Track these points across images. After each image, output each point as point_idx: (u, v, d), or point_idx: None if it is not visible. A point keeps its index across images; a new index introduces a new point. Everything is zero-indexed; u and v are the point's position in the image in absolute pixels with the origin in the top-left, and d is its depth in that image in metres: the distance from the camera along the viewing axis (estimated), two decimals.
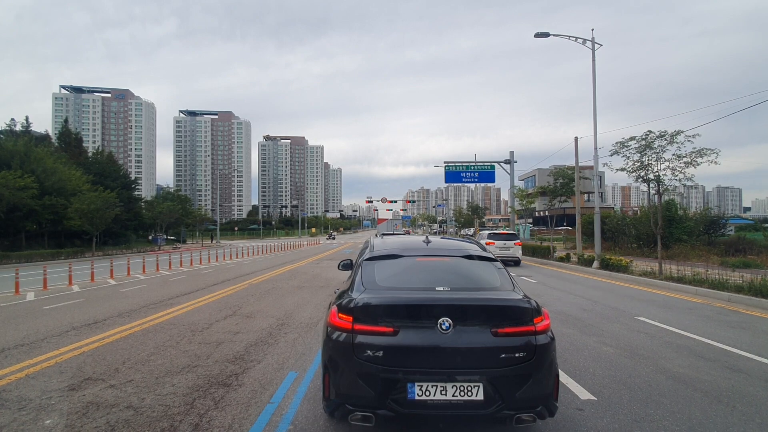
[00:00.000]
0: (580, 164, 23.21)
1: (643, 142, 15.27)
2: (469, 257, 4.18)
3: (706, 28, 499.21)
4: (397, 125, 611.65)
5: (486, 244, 32.62)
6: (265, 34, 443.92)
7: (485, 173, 32.64)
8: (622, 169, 16.15)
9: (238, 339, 6.95)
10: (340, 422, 3.75)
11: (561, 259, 22.69)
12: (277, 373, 5.28)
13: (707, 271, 13.70)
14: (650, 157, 15.18)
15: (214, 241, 62.51)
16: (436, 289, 3.61)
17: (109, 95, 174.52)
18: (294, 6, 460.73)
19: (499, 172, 32.55)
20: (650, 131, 15.19)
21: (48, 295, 12.37)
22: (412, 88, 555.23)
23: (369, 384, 3.18)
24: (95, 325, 8.19)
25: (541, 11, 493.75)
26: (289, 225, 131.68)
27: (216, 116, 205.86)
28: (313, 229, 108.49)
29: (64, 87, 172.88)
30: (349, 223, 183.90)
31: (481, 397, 3.15)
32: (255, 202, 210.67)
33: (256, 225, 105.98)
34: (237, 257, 30.58)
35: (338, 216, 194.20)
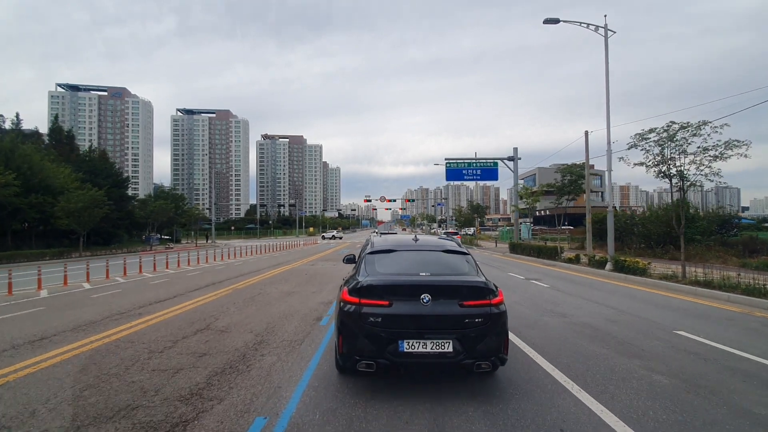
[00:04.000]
0: (584, 161, 22.04)
1: (665, 134, 14.02)
2: (447, 251, 5.52)
3: (709, 27, 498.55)
4: (397, 124, 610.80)
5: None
6: (265, 33, 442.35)
7: (488, 170, 31.36)
8: (641, 164, 14.91)
9: (202, 364, 5.68)
10: (348, 374, 5.09)
11: (570, 261, 21.45)
12: (239, 419, 4.01)
13: (739, 275, 12.46)
14: (673, 151, 13.94)
15: (209, 241, 61.14)
16: (420, 274, 4.87)
17: (105, 93, 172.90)
18: (295, 4, 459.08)
19: (501, 171, 31.26)
20: (673, 122, 13.96)
21: (8, 302, 11.09)
22: (412, 87, 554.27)
23: (371, 341, 4.46)
24: (40, 342, 6.91)
25: (542, 11, 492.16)
26: (287, 224, 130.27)
27: (214, 115, 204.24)
28: (311, 229, 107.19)
29: (60, 85, 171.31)
30: (347, 222, 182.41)
31: (450, 349, 4.43)
32: (253, 201, 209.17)
33: (253, 224, 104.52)
34: (229, 258, 29.30)
35: (336, 215, 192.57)
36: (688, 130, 13.73)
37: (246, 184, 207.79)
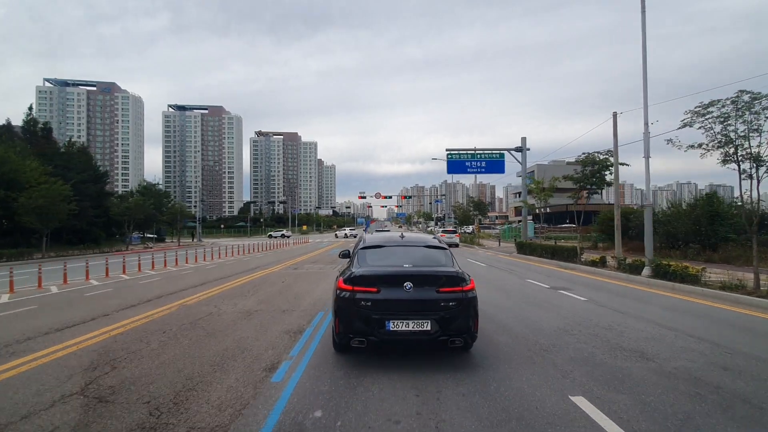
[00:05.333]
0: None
1: (732, 107, 11.09)
2: (428, 246, 6.41)
3: (706, 27, 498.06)
4: (394, 123, 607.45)
5: (441, 235, 33.86)
6: (261, 30, 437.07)
7: (493, 162, 28.39)
8: (698, 146, 11.98)
9: None
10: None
11: (593, 264, 18.52)
12: None
13: None
14: (739, 128, 11.02)
15: (195, 240, 57.91)
16: (404, 266, 5.68)
17: (94, 88, 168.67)
18: (291, 1, 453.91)
19: (506, 166, 28.25)
20: (742, 91, 11.01)
21: None
22: (410, 85, 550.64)
23: (363, 322, 5.28)
24: None
25: (542, 9, 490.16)
26: (281, 222, 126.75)
27: (206, 111, 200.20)
28: (305, 227, 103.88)
29: (48, 80, 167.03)
30: (342, 220, 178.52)
31: (429, 328, 5.22)
32: (247, 199, 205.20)
33: (243, 222, 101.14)
34: (206, 259, 26.19)
35: (331, 213, 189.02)
36: (760, 102, 10.82)
37: (240, 182, 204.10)
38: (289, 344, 6.59)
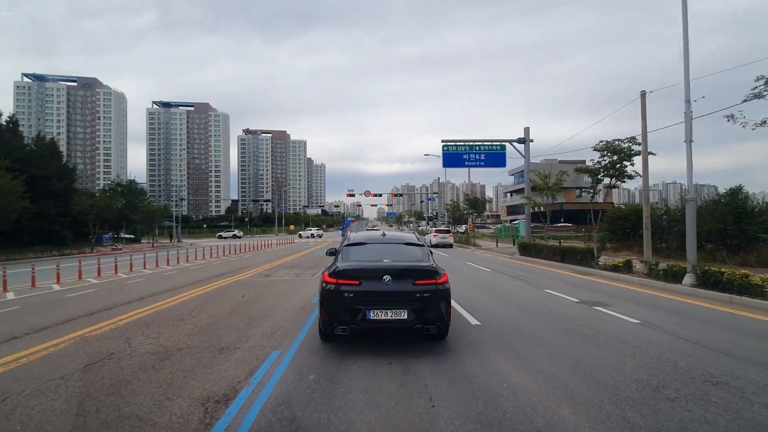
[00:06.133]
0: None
1: None
2: (407, 243, 6.92)
3: (695, 28, 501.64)
4: (384, 122, 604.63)
5: (433, 236, 35.31)
6: (250, 28, 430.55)
7: (493, 155, 25.64)
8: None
9: None
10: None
11: (615, 269, 15.86)
12: None
13: None
14: None
15: (172, 241, 54.44)
16: (384, 261, 6.19)
17: (75, 84, 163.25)
18: None
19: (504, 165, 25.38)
20: None
21: None
22: (401, 85, 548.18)
23: (346, 312, 5.71)
24: None
25: (532, 10, 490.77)
26: (268, 222, 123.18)
27: (192, 108, 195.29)
28: (292, 226, 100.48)
29: (26, 75, 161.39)
30: (332, 220, 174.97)
31: (406, 317, 5.66)
32: (235, 198, 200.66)
33: (227, 222, 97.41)
34: (173, 263, 23.09)
35: (320, 212, 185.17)
36: None
37: (227, 181, 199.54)
38: None
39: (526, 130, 24.79)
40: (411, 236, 7.55)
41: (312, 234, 72.02)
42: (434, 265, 6.14)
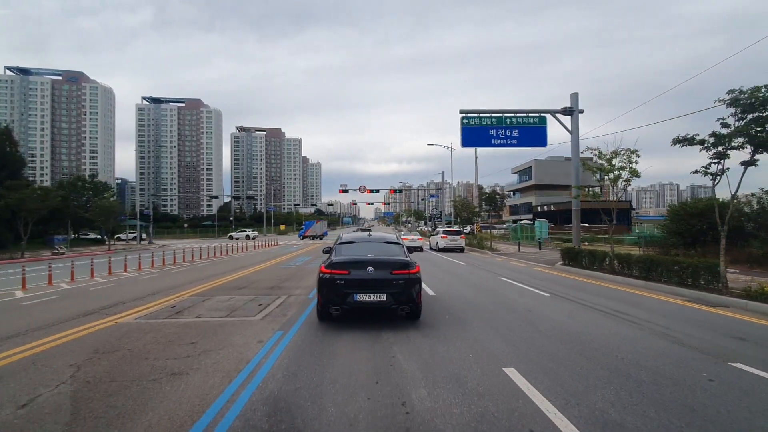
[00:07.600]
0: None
1: None
2: (387, 242, 8.80)
3: (683, 31, 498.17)
4: (381, 122, 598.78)
5: (441, 237, 31.31)
6: (246, 27, 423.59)
7: (530, 131, 19.35)
8: None
9: None
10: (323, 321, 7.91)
11: (763, 297, 9.64)
12: None
13: None
14: None
15: (142, 242, 47.98)
16: (368, 255, 7.84)
17: (60, 78, 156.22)
18: None
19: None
20: None
21: None
22: (397, 84, 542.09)
23: (338, 295, 7.37)
24: None
25: (530, 10, 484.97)
26: (261, 221, 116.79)
27: (183, 104, 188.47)
28: (282, 226, 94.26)
29: (9, 68, 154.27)
30: (327, 219, 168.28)
31: (384, 299, 7.30)
32: (228, 197, 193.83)
33: (211, 222, 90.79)
34: (117, 273, 16.70)
35: (313, 211, 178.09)
36: None
37: (219, 179, 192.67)
38: None
39: (574, 96, 18.57)
40: (392, 236, 9.65)
41: (248, 236, 62.18)
42: (408, 258, 7.98)
